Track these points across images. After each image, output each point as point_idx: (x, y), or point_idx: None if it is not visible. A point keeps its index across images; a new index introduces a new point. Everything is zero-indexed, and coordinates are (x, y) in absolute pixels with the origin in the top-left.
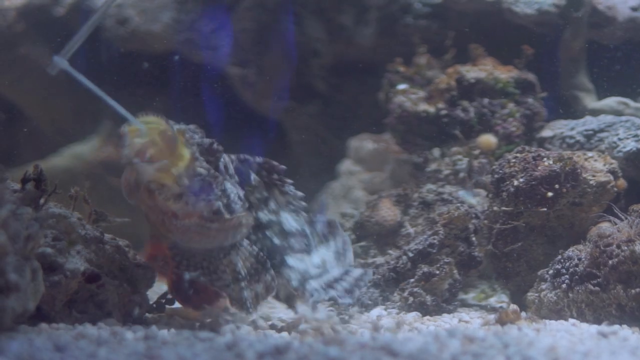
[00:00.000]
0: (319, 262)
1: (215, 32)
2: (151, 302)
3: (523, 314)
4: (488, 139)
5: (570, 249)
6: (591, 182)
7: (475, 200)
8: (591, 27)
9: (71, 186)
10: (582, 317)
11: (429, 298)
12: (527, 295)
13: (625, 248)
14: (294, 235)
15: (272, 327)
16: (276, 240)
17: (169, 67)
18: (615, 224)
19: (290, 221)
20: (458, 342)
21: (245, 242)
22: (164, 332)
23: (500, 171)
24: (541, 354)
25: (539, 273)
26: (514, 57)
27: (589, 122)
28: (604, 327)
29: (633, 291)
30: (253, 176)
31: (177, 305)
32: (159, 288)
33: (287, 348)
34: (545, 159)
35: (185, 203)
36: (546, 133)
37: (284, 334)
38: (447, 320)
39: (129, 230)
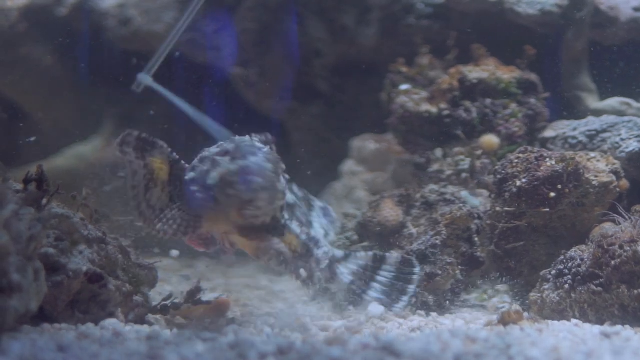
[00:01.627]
0: (322, 231)
1: (217, 33)
2: (154, 303)
3: (525, 314)
4: (490, 140)
5: (573, 249)
6: (594, 183)
7: (477, 201)
8: (594, 28)
9: (73, 187)
10: (584, 318)
11: (431, 298)
12: (529, 295)
13: (628, 248)
14: (298, 208)
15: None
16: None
17: (171, 68)
18: (618, 224)
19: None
20: (460, 342)
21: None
22: (167, 333)
23: (503, 172)
24: (544, 355)
25: (541, 273)
26: (516, 57)
27: (592, 123)
28: (606, 328)
29: (636, 291)
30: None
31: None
32: (162, 288)
33: (289, 348)
34: (547, 159)
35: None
36: (549, 133)
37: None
38: (449, 321)
39: (133, 230)
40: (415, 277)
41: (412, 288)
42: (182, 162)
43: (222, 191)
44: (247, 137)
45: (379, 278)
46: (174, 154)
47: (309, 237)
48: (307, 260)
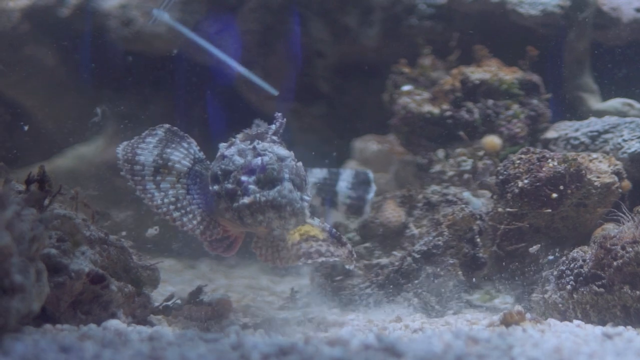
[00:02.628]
0: None
1: (219, 34)
2: (156, 304)
3: (527, 315)
4: (492, 140)
5: (575, 250)
6: (596, 184)
7: (479, 202)
8: (596, 28)
9: (74, 187)
10: (586, 319)
11: (433, 299)
12: (531, 296)
13: (631, 249)
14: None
15: None
16: None
17: (174, 68)
18: (622, 225)
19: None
20: (463, 343)
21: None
22: (169, 333)
23: (505, 172)
24: (546, 356)
25: (543, 274)
26: (518, 58)
27: (594, 124)
28: (608, 329)
29: (638, 292)
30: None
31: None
32: (163, 289)
33: (291, 349)
34: (549, 160)
35: None
36: (551, 134)
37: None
38: (451, 321)
39: (134, 231)
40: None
41: (369, 196)
42: (207, 162)
43: (250, 216)
44: (267, 147)
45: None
46: (201, 152)
47: (332, 231)
48: (340, 246)
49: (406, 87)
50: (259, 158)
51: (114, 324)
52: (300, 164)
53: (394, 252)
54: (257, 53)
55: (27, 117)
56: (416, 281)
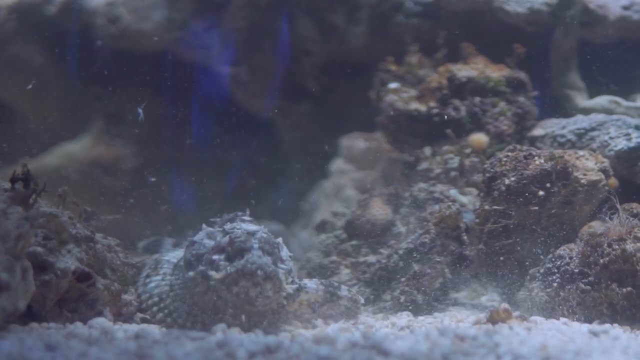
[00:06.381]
0: None
1: (206, 31)
2: None
3: (514, 312)
4: (479, 138)
5: (562, 247)
6: (582, 181)
7: (466, 199)
8: (583, 26)
9: (61, 185)
10: (573, 316)
11: (420, 297)
12: (518, 293)
13: (617, 247)
14: None
15: None
16: None
17: (161, 66)
18: (611, 221)
19: None
20: (449, 341)
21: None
22: (155, 331)
23: (492, 170)
24: (532, 353)
25: (530, 272)
26: (505, 55)
27: (580, 121)
28: (595, 326)
29: (624, 290)
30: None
31: None
32: None
33: (278, 347)
34: (536, 157)
35: None
36: (537, 132)
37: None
38: (438, 319)
39: (122, 229)
40: None
41: None
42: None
43: (227, 291)
44: (236, 225)
45: None
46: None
47: (326, 285)
48: (336, 301)
49: (393, 85)
50: (227, 236)
51: (100, 322)
52: (276, 238)
53: (381, 250)
54: (244, 51)
55: (13, 114)
56: (403, 279)
